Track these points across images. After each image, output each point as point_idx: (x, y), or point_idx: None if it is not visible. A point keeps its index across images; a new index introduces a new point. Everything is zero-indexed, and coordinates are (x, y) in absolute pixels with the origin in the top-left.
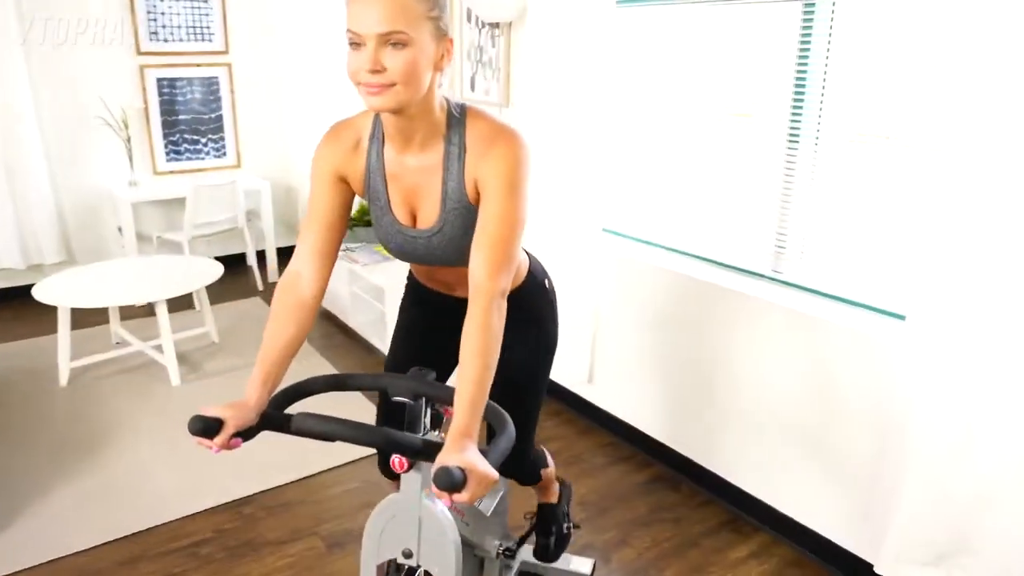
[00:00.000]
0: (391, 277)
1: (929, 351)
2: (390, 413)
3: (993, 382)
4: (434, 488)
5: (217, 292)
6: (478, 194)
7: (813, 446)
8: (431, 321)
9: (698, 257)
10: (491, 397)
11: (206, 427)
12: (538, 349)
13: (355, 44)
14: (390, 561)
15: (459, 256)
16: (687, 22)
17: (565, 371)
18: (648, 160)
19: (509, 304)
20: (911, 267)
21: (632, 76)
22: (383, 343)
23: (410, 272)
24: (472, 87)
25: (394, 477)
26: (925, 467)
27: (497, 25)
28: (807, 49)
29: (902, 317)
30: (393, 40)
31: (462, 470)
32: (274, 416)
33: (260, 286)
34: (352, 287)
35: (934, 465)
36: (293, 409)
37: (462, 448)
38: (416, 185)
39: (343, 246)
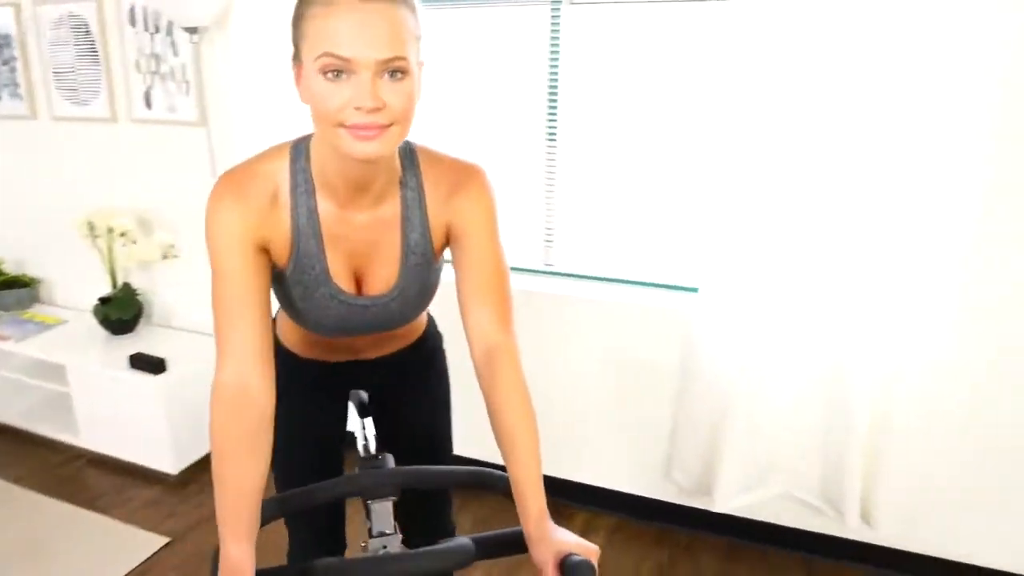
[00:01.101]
0: (70, 348)
1: (722, 314)
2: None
3: (777, 333)
4: None
5: None
6: (445, 242)
7: (620, 419)
8: (332, 400)
9: None
10: (414, 456)
11: None
12: (448, 398)
13: (336, 72)
14: None
15: (412, 316)
16: (433, 23)
17: None
18: None
19: (422, 354)
20: (701, 245)
21: None
22: (63, 430)
23: (288, 353)
24: (148, 104)
25: None
26: (736, 412)
27: (195, 30)
28: (556, 48)
29: (695, 290)
30: (392, 68)
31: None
32: (281, 574)
33: None
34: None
35: (742, 408)
36: None
37: (554, 531)
38: (366, 243)
39: None
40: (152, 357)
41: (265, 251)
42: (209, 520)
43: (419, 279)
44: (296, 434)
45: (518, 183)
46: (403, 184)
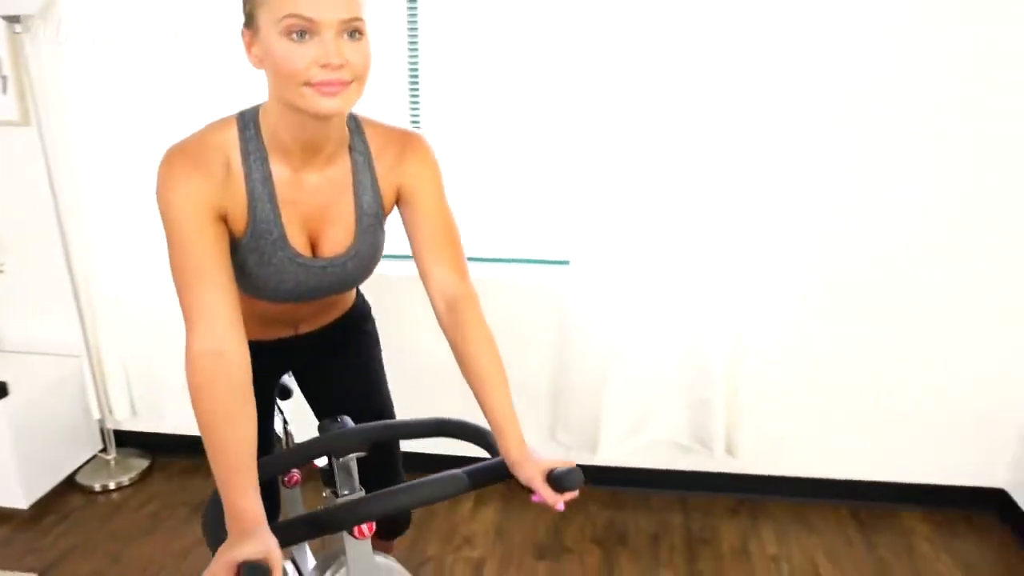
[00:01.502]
0: None
1: (592, 284)
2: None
3: (643, 298)
4: (565, 495)
5: None
6: (394, 203)
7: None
8: (268, 380)
9: None
10: (366, 402)
11: None
12: (381, 361)
13: (300, 33)
14: None
15: (363, 277)
16: None
17: None
18: None
19: (354, 320)
20: (570, 219)
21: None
22: None
23: None
24: None
25: None
26: (611, 373)
27: (18, 19)
28: (415, 33)
29: (566, 263)
30: (351, 28)
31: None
32: (302, 524)
33: None
34: None
35: (615, 369)
36: None
37: (534, 452)
38: (319, 206)
39: None
40: None
41: (223, 220)
42: (77, 548)
43: (371, 240)
44: None
45: None
46: (352, 148)
